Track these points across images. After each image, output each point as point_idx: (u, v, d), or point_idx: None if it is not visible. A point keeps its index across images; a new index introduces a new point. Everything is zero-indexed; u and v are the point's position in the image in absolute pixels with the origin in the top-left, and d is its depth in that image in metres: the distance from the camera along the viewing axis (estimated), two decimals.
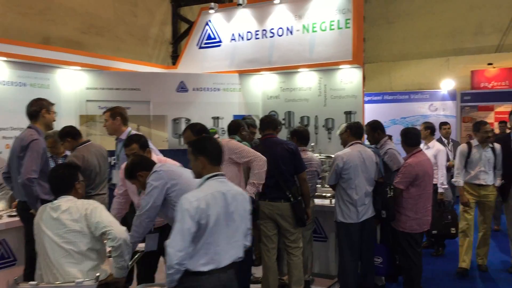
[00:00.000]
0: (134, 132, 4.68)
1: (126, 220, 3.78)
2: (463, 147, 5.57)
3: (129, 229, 3.24)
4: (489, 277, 5.42)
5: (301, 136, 4.91)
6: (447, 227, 5.48)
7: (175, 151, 6.12)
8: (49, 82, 5.98)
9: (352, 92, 6.44)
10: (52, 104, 4.25)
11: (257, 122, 5.27)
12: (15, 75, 5.66)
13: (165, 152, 4.54)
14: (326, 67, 6.49)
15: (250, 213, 2.88)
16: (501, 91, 11.17)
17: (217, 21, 7.33)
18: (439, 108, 11.25)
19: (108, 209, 4.11)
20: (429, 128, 6.34)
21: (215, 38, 7.33)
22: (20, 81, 5.68)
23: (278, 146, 4.39)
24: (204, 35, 7.42)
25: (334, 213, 4.59)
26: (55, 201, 3.07)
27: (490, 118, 11.32)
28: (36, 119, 4.10)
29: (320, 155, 5.76)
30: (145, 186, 3.37)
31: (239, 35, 7.12)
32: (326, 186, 5.30)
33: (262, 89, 7.12)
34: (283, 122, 6.78)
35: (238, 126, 4.93)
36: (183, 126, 6.61)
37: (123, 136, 4.51)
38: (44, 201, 3.73)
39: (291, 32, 6.71)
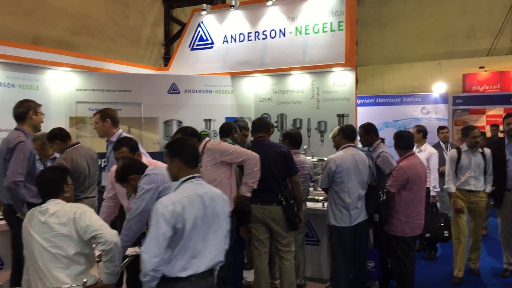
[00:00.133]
0: (125, 134, 4.62)
1: (115, 224, 3.72)
2: (452, 152, 5.54)
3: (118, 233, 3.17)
4: (482, 282, 5.41)
5: (293, 139, 4.88)
6: (440, 230, 5.48)
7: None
8: (39, 83, 5.89)
9: (345, 95, 6.42)
10: (40, 106, 4.18)
11: (249, 125, 5.22)
12: (4, 76, 5.57)
13: (156, 155, 4.48)
14: (319, 69, 6.46)
15: (229, 215, 2.83)
16: (492, 94, 11.22)
17: (209, 22, 7.28)
18: (431, 111, 11.26)
19: (97, 212, 4.06)
20: (421, 131, 6.34)
21: (207, 40, 7.28)
22: (8, 82, 5.59)
23: (270, 149, 4.35)
24: (196, 36, 7.37)
25: (326, 217, 4.55)
26: (43, 204, 3.01)
27: (482, 121, 11.37)
28: (24, 120, 4.03)
29: (312, 158, 5.73)
30: (137, 190, 3.31)
31: (232, 36, 7.07)
32: (318, 189, 5.26)
33: (255, 91, 7.08)
34: (275, 124, 6.73)
35: (230, 129, 4.89)
36: (174, 128, 6.56)
37: (114, 139, 4.44)
38: (31, 205, 3.68)
39: (283, 34, 6.68)
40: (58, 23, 8.05)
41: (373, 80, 12.99)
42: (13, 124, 4.13)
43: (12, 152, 3.82)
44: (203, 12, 7.22)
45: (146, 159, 3.92)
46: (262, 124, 4.57)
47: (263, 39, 6.83)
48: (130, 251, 3.41)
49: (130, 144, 3.75)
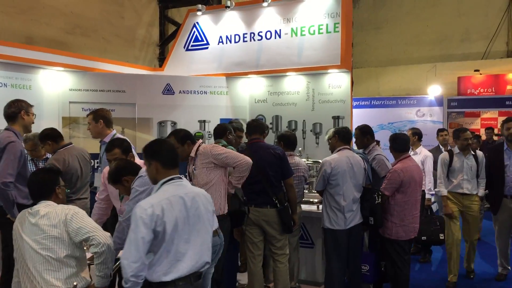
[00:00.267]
0: (118, 135, 4.57)
1: (106, 226, 3.67)
2: (444, 155, 5.46)
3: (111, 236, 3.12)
4: (476, 286, 5.38)
5: (288, 140, 4.85)
6: (436, 233, 5.43)
7: None
8: (31, 83, 5.83)
9: (340, 97, 6.39)
10: (31, 106, 4.12)
11: (244, 126, 5.18)
12: None
13: None
14: (314, 71, 6.44)
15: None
16: (487, 97, 11.26)
17: (204, 23, 7.24)
18: (426, 113, 11.29)
19: (90, 214, 4.01)
20: (417, 134, 6.32)
21: (202, 41, 7.23)
22: (0, 82, 5.52)
23: (265, 150, 4.32)
24: (192, 37, 7.32)
25: (321, 219, 4.52)
26: (34, 206, 2.96)
27: (477, 124, 11.40)
28: (15, 120, 3.97)
29: (307, 160, 5.70)
30: (130, 192, 3.26)
31: (227, 37, 7.04)
32: (313, 191, 5.23)
33: (250, 93, 7.05)
34: (270, 126, 6.70)
35: (225, 130, 4.85)
36: (169, 129, 6.51)
37: (107, 139, 4.41)
38: (21, 206, 3.62)
39: (279, 36, 6.65)
40: (52, 22, 7.99)
41: (368, 83, 13.00)
42: (3, 123, 4.07)
43: (2, 152, 3.77)
44: (199, 13, 7.18)
45: (139, 160, 3.87)
46: (256, 126, 4.53)
47: (259, 40, 6.79)
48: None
49: (122, 146, 3.71)
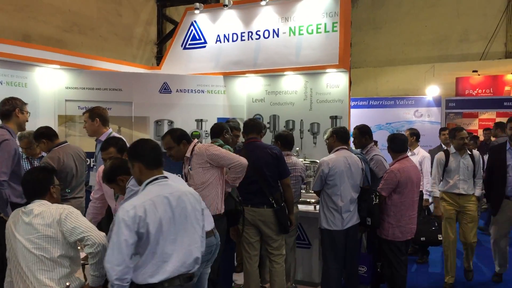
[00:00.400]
0: (114, 134, 4.54)
1: (100, 226, 3.64)
2: (440, 155, 5.37)
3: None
4: (473, 287, 5.35)
5: (285, 140, 4.82)
6: (434, 234, 5.38)
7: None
8: (27, 81, 5.77)
9: (338, 97, 6.36)
10: (26, 104, 4.08)
11: (241, 125, 5.15)
12: None
13: None
14: (312, 70, 6.40)
15: (202, 212, 2.75)
16: (485, 98, 11.25)
17: (202, 21, 7.20)
18: (424, 114, 11.27)
19: (85, 213, 3.98)
20: (414, 134, 6.30)
21: (200, 39, 7.19)
22: None
23: (261, 150, 4.29)
24: (189, 35, 7.28)
25: (318, 220, 4.49)
26: (28, 205, 2.93)
27: (474, 125, 11.39)
28: (9, 118, 3.93)
29: (304, 160, 5.67)
30: (125, 191, 3.22)
31: (225, 36, 7.00)
32: (310, 191, 5.20)
33: (247, 92, 7.01)
34: (267, 125, 6.67)
35: (221, 129, 4.82)
36: (165, 128, 6.47)
37: (103, 138, 4.38)
38: (15, 205, 3.58)
39: (277, 35, 6.61)
40: (49, 20, 7.94)
41: (366, 83, 12.98)
42: None
43: None
44: (196, 11, 7.14)
45: None
46: (253, 125, 4.50)
47: (257, 39, 6.75)
48: None
49: (118, 145, 3.68)
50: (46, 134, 4.45)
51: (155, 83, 6.64)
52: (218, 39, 7.05)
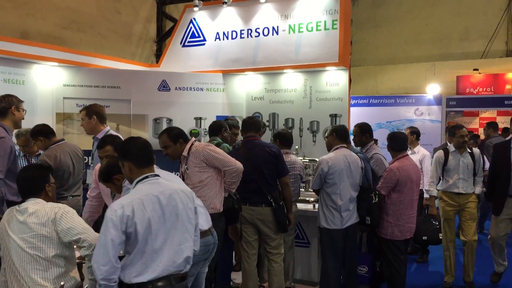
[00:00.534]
0: (112, 131, 4.51)
1: (97, 225, 3.60)
2: (439, 153, 5.23)
3: None
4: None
5: (283, 138, 4.78)
6: (435, 233, 5.29)
7: (156, 151, 5.94)
8: (25, 78, 5.75)
9: (338, 95, 6.32)
10: (22, 102, 4.05)
11: (240, 124, 5.11)
12: None
13: None
14: (311, 68, 6.36)
15: (195, 211, 2.71)
16: (486, 97, 11.19)
17: (201, 19, 7.17)
18: (424, 112, 11.21)
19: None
20: (415, 133, 6.26)
21: (199, 37, 7.16)
22: None
23: (260, 148, 4.25)
24: (188, 33, 7.24)
25: (317, 218, 4.46)
26: (23, 203, 2.89)
27: (475, 123, 11.35)
28: (5, 116, 3.89)
29: (304, 159, 5.63)
30: (121, 190, 3.19)
31: (224, 34, 6.96)
32: (309, 190, 5.17)
33: (247, 90, 6.98)
34: (267, 124, 6.63)
35: (220, 127, 4.79)
36: (164, 126, 6.45)
37: (100, 136, 4.35)
38: (11, 203, 3.55)
39: (276, 32, 6.58)
40: (48, 17, 7.91)
41: (367, 81, 12.93)
42: None
43: None
44: (195, 8, 7.10)
45: None
46: (252, 123, 4.45)
47: (256, 36, 6.72)
48: None
49: (114, 143, 3.63)
50: (43, 132, 4.42)
51: (154, 81, 6.61)
52: (218, 37, 7.02)
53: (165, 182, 2.64)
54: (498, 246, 5.21)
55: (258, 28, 6.70)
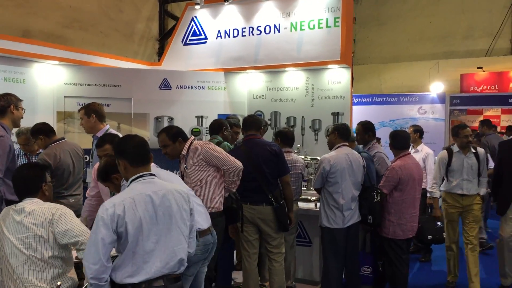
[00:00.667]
0: (112, 130, 4.48)
1: None
2: (442, 154, 5.09)
3: None
4: None
5: (285, 137, 4.75)
6: (439, 232, 5.18)
7: (157, 150, 5.92)
8: (25, 77, 5.73)
9: (340, 93, 6.28)
10: (21, 101, 4.03)
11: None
12: None
13: None
14: (313, 66, 6.32)
15: (190, 212, 2.67)
16: (490, 95, 11.10)
17: (203, 17, 7.13)
18: (428, 111, 11.14)
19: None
20: (418, 131, 6.21)
21: (200, 35, 7.13)
22: None
23: (261, 147, 4.21)
24: (190, 31, 7.22)
25: (318, 217, 4.42)
26: (19, 203, 2.85)
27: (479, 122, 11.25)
28: (3, 115, 3.87)
29: (305, 157, 5.59)
30: (120, 189, 3.16)
31: (225, 32, 6.92)
32: (311, 189, 5.13)
33: (248, 88, 6.94)
34: (269, 122, 6.60)
35: (221, 126, 4.76)
36: (165, 124, 6.42)
37: (100, 134, 4.31)
38: (10, 202, 3.52)
39: (278, 30, 6.54)
40: (49, 16, 7.88)
41: (370, 79, 12.88)
42: None
43: None
44: (197, 7, 7.07)
45: None
46: (253, 122, 4.41)
47: (258, 34, 6.68)
48: (112, 253, 3.26)
49: (113, 142, 3.60)
50: (43, 130, 4.40)
51: (155, 79, 6.59)
52: (219, 35, 6.98)
53: (160, 182, 2.60)
54: (508, 247, 4.91)
55: (260, 26, 6.66)
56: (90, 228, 2.49)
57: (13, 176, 3.00)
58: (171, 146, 3.65)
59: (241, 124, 4.98)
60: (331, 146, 4.55)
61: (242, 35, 6.79)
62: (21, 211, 2.78)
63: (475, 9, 12.05)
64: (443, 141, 10.05)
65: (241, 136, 5.14)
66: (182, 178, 3.64)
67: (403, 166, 4.32)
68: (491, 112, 11.21)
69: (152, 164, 3.58)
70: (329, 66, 6.26)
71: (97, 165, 3.59)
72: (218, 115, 6.52)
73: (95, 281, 2.33)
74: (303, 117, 6.51)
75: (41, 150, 4.96)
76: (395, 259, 4.37)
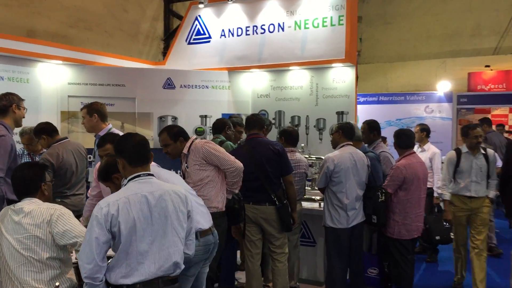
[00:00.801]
0: (115, 130, 4.46)
1: None
2: (451, 154, 4.95)
3: None
4: None
5: (289, 136, 4.71)
6: (447, 232, 5.08)
7: (159, 149, 5.90)
8: (29, 76, 5.74)
9: (345, 92, 6.23)
10: (23, 100, 4.02)
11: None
12: None
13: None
14: (318, 65, 6.29)
15: (188, 214, 2.63)
16: (498, 93, 10.99)
17: (207, 16, 7.11)
18: (435, 110, 11.05)
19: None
20: (425, 130, 6.14)
21: (204, 34, 7.10)
22: None
23: (264, 146, 4.18)
24: (193, 30, 7.20)
25: (322, 217, 4.38)
26: (18, 203, 2.83)
27: None
28: (5, 114, 3.86)
29: (309, 157, 5.55)
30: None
31: (229, 31, 6.90)
32: (316, 188, 5.08)
33: (252, 87, 6.91)
34: (273, 121, 6.56)
35: (224, 125, 4.73)
36: (169, 124, 6.39)
37: (102, 134, 4.29)
38: (11, 201, 3.50)
39: (282, 29, 6.50)
40: (54, 15, 7.89)
41: (376, 78, 12.80)
42: None
43: None
44: (201, 6, 7.05)
45: None
46: (256, 121, 4.38)
47: (262, 33, 6.65)
48: (110, 253, 3.24)
49: (115, 141, 3.57)
50: (46, 130, 4.39)
51: (159, 79, 6.58)
52: (223, 34, 6.96)
53: (157, 182, 2.57)
54: None
55: (264, 25, 6.63)
56: None
57: (12, 176, 2.98)
58: (172, 146, 3.62)
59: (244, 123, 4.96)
60: (335, 145, 4.51)
61: (246, 34, 6.76)
62: (20, 211, 2.75)
63: (482, 8, 11.93)
64: (450, 140, 9.96)
65: (244, 136, 5.11)
66: (184, 178, 3.61)
67: (408, 165, 4.26)
68: (499, 111, 11.09)
69: (153, 164, 3.57)
70: (333, 64, 6.21)
71: (98, 164, 3.57)
72: (222, 114, 6.50)
73: (90, 280, 2.32)
74: (307, 116, 6.47)
75: (44, 150, 4.95)
76: (400, 259, 4.32)
